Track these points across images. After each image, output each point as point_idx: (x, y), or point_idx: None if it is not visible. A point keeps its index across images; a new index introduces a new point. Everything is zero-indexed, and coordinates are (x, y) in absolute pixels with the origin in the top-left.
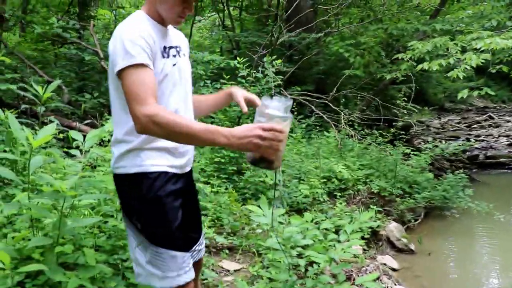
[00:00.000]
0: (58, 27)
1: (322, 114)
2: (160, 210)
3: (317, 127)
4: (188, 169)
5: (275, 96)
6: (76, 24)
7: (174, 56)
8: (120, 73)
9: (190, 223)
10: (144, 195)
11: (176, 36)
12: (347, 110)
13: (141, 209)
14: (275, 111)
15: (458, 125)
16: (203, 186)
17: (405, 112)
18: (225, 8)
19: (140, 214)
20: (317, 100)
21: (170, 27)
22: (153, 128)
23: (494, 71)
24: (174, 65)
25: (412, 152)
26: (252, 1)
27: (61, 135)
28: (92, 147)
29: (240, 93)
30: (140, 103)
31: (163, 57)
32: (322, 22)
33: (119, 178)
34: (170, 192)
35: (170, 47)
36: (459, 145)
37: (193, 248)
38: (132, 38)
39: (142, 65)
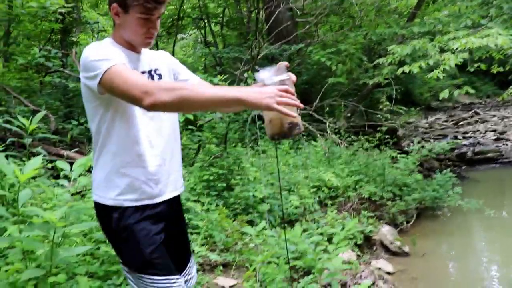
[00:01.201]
0: (41, 56)
1: (307, 125)
2: (130, 237)
3: (304, 137)
4: (168, 196)
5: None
6: (58, 52)
7: None
8: (103, 80)
9: (175, 247)
10: (115, 224)
11: (152, 59)
12: (332, 118)
13: (113, 237)
14: (275, 77)
15: (445, 123)
16: (194, 204)
17: (389, 116)
18: (206, 24)
19: (113, 242)
20: (302, 111)
21: (146, 50)
22: (164, 95)
23: (472, 69)
24: None
25: (399, 155)
26: (232, 16)
27: (49, 165)
28: (80, 175)
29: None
30: (141, 82)
31: None
32: (302, 32)
33: (96, 206)
34: (143, 218)
35: (142, 73)
36: (447, 143)
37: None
38: (105, 50)
39: (123, 65)
